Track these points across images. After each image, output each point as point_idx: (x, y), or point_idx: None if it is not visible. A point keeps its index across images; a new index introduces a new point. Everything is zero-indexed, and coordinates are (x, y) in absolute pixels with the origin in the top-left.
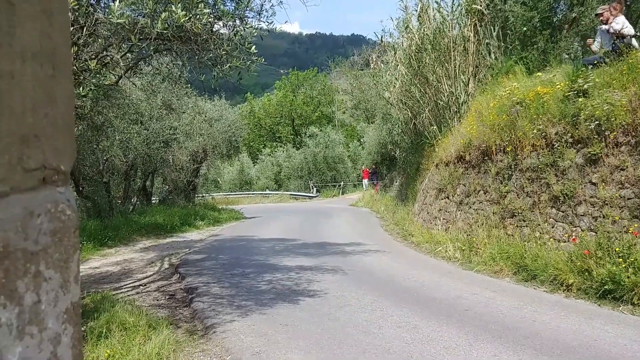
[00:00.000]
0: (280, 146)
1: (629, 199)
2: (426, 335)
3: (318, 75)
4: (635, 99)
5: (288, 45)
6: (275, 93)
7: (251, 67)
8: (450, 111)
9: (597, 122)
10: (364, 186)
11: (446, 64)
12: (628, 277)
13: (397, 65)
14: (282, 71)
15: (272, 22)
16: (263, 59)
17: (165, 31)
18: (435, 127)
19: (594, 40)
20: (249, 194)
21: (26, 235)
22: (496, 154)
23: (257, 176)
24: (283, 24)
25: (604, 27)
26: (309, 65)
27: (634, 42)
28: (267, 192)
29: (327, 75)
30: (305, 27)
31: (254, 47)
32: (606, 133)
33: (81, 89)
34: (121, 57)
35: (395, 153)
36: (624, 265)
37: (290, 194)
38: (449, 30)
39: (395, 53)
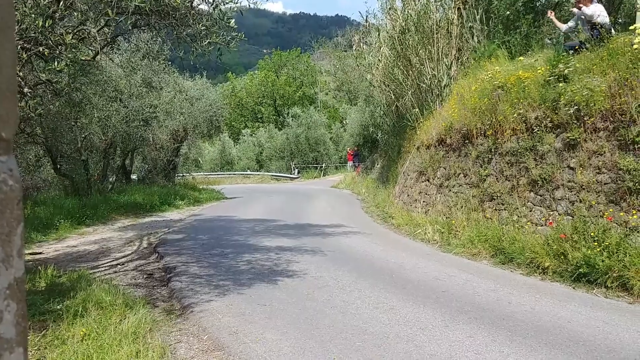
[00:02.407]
0: (262, 126)
1: (605, 184)
2: (403, 317)
3: (301, 56)
4: (614, 84)
5: (271, 25)
6: (257, 73)
7: (231, 43)
8: (432, 94)
9: (576, 107)
10: (348, 168)
11: (429, 47)
12: (602, 261)
13: (381, 46)
14: (265, 51)
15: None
16: (243, 35)
17: (142, 4)
18: (417, 109)
19: (571, 24)
20: (230, 174)
21: None
22: (477, 138)
23: (238, 156)
24: (266, 2)
25: (575, 10)
26: (292, 45)
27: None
28: (248, 172)
29: (310, 56)
30: (288, 6)
31: (233, 21)
32: (585, 118)
33: (56, 63)
34: (98, 31)
35: (377, 135)
36: (598, 249)
37: (272, 175)
38: (432, 13)
39: (379, 34)
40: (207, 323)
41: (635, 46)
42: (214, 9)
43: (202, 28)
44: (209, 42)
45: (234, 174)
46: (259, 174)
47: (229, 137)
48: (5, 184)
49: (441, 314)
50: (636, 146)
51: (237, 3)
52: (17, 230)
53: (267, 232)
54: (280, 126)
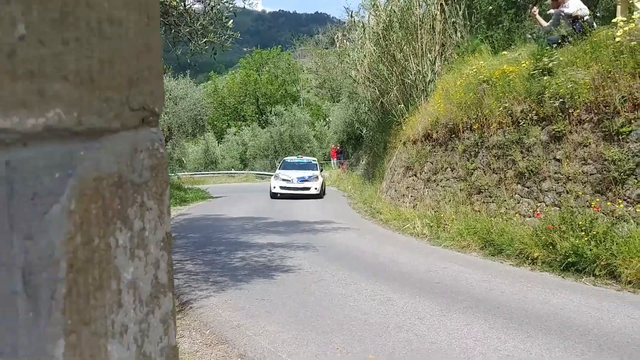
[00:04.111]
0: (246, 125)
1: (591, 174)
2: (400, 307)
3: (282, 54)
4: (597, 77)
5: (251, 23)
6: (239, 71)
7: (227, 42)
8: (417, 89)
9: (561, 100)
10: (332, 165)
11: (413, 43)
12: (590, 250)
13: (365, 43)
14: (245, 49)
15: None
16: (239, 34)
17: None
18: (402, 105)
19: (551, 21)
20: (214, 173)
21: (133, 169)
22: (463, 132)
23: (222, 156)
24: (257, 3)
25: (553, 11)
26: (272, 43)
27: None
28: (233, 171)
29: (291, 54)
30: (267, 4)
31: (231, 21)
32: (570, 110)
33: None
34: None
35: (362, 132)
36: (586, 239)
37: (256, 174)
38: (416, 9)
39: (364, 30)
40: (207, 318)
41: (617, 39)
42: (211, 8)
43: (199, 27)
44: (205, 40)
45: (218, 173)
46: (243, 173)
47: (213, 136)
48: (159, 152)
49: (437, 304)
50: (620, 137)
51: (232, 3)
52: (166, 192)
53: (257, 230)
54: (263, 124)
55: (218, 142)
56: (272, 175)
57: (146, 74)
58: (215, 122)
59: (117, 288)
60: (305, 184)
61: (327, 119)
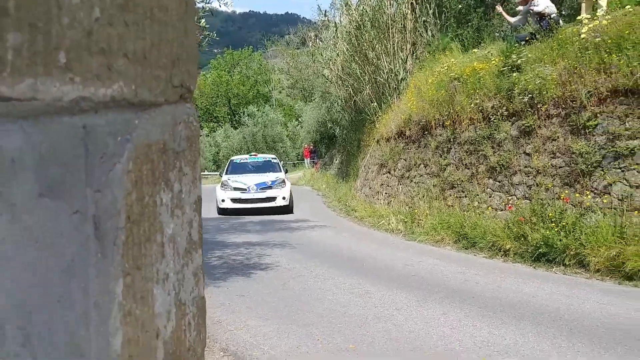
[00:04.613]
0: (219, 126)
1: (560, 167)
2: (378, 299)
3: (253, 55)
4: (564, 73)
5: (221, 24)
6: (210, 72)
7: (203, 42)
8: (389, 88)
9: (530, 96)
10: (305, 165)
11: (385, 42)
12: (560, 240)
13: (337, 42)
14: (216, 50)
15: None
16: (215, 34)
17: None
18: (375, 103)
19: (517, 18)
20: None
21: (174, 138)
22: (435, 129)
23: None
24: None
25: (521, 8)
26: (243, 44)
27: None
28: (206, 173)
29: (262, 54)
30: (238, 4)
31: (203, 21)
32: (538, 106)
33: None
34: None
35: (335, 131)
36: (556, 230)
37: None
38: (387, 8)
39: (336, 30)
40: None
41: (582, 36)
42: None
43: (195, 21)
44: None
45: None
46: (216, 174)
47: None
48: (193, 125)
49: (414, 295)
50: (587, 130)
51: (208, 3)
52: (198, 160)
53: (232, 229)
54: (236, 125)
55: None
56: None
57: (185, 56)
58: None
59: (161, 241)
60: (269, 193)
61: (299, 119)
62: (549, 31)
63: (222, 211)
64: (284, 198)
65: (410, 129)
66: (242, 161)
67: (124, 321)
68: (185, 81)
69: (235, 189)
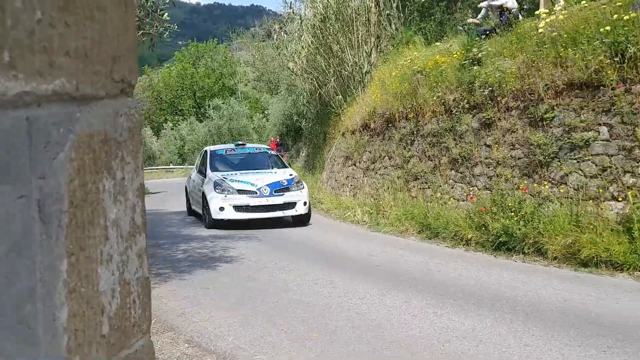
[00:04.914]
0: (184, 119)
1: (519, 158)
2: (342, 289)
3: (218, 47)
4: (523, 66)
5: (185, 15)
6: (175, 65)
7: (164, 34)
8: (354, 81)
9: (490, 89)
10: None
11: (349, 35)
12: (519, 229)
13: (302, 35)
14: (180, 42)
15: None
16: (176, 26)
17: None
18: (340, 96)
19: (481, 14)
20: (152, 169)
21: (115, 129)
22: (399, 121)
23: (160, 151)
24: None
25: (483, 4)
26: (208, 36)
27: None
28: (172, 166)
29: (227, 47)
30: None
31: (166, 14)
32: (498, 98)
33: None
34: None
35: (301, 124)
36: (515, 219)
37: None
38: (351, 1)
39: (301, 22)
40: (153, 307)
41: (540, 30)
42: (146, 1)
43: (135, 19)
44: (142, 32)
45: (156, 169)
46: (182, 168)
47: (150, 131)
48: (134, 117)
49: (377, 285)
50: (544, 122)
51: None
52: (140, 150)
53: (198, 223)
54: (201, 118)
55: (156, 138)
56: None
57: (125, 53)
58: (151, 117)
59: (105, 224)
60: (287, 197)
61: (265, 112)
62: (509, 25)
63: (213, 223)
64: (305, 204)
65: (374, 122)
66: (228, 153)
67: (69, 297)
68: (126, 76)
69: (240, 191)
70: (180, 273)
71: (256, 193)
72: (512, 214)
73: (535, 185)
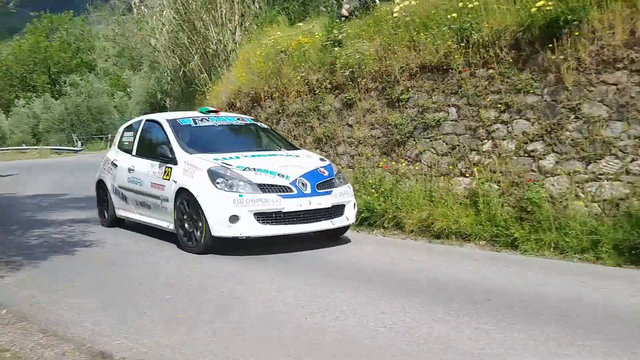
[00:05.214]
0: (37, 96)
1: (378, 138)
2: (206, 269)
3: (75, 20)
4: (380, 49)
5: None
6: (26, 37)
7: (10, 3)
8: (219, 59)
9: (350, 70)
10: None
11: (213, 12)
12: (380, 205)
13: (164, 10)
14: (32, 13)
15: None
16: None
17: None
18: (205, 75)
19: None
20: (1, 150)
21: None
22: (265, 101)
23: (10, 130)
24: None
25: None
26: (63, 8)
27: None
28: (24, 147)
29: (85, 19)
30: None
31: None
32: (358, 80)
33: None
34: None
35: (166, 102)
36: (376, 195)
37: (52, 149)
38: None
39: None
40: (3, 298)
41: (395, 14)
42: None
43: None
44: None
45: (6, 150)
46: (36, 149)
47: None
48: None
49: (245, 263)
50: (400, 103)
51: None
52: None
53: (56, 206)
54: (57, 95)
55: (5, 116)
56: (70, 149)
57: None
58: (1, 94)
59: None
60: (335, 197)
61: (128, 89)
62: (366, 9)
63: (218, 241)
64: (354, 206)
65: (240, 101)
66: (199, 124)
67: None
68: None
69: (264, 187)
70: (34, 260)
71: (291, 190)
72: (373, 190)
73: (393, 163)
